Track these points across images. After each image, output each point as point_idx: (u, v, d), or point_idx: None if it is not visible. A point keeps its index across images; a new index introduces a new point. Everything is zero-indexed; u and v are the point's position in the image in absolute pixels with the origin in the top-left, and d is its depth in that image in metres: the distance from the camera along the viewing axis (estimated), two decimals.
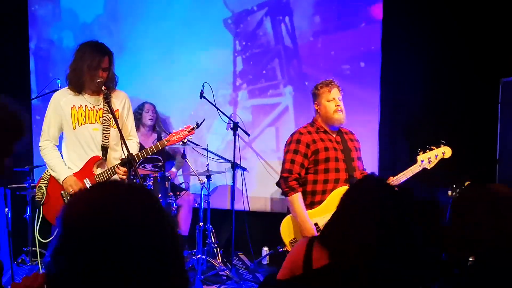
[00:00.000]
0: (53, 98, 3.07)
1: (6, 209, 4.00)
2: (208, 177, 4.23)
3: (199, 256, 4.05)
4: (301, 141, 3.09)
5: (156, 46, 4.83)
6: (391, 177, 3.06)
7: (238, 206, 4.33)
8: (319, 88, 3.17)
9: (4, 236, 3.78)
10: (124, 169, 2.82)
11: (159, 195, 3.86)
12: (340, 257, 1.58)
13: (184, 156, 4.19)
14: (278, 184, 3.18)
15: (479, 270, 1.63)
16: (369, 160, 3.86)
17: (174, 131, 3.10)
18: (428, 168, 3.09)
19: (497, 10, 3.85)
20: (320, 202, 3.05)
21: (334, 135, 3.17)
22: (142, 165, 4.01)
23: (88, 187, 1.00)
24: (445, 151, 3.12)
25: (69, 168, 3.03)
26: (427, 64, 4.11)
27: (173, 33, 4.80)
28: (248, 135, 4.48)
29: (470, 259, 1.65)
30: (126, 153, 2.70)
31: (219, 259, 4.28)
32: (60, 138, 3.14)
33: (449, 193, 3.37)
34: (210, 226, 4.27)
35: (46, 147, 3.05)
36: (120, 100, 3.12)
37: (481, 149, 3.89)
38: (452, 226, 1.76)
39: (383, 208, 1.56)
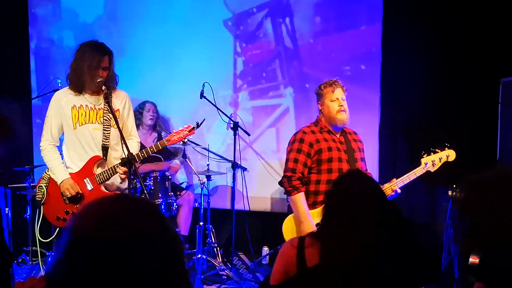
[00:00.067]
0: (54, 98, 3.07)
1: (7, 209, 4.01)
2: (208, 177, 4.23)
3: (199, 255, 4.04)
4: (304, 140, 3.09)
5: (156, 46, 4.83)
6: (394, 179, 3.05)
7: (238, 206, 4.34)
8: (322, 88, 3.17)
9: (5, 235, 3.77)
10: (124, 168, 2.82)
11: (160, 195, 3.86)
12: (340, 257, 1.58)
13: (184, 156, 4.20)
14: (281, 183, 3.16)
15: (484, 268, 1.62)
16: (369, 160, 3.85)
17: (174, 130, 3.11)
18: (432, 171, 3.07)
19: (497, 10, 3.85)
20: (322, 202, 3.04)
21: (337, 135, 3.16)
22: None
23: (99, 198, 1.02)
24: (449, 154, 3.09)
25: (69, 167, 3.03)
26: (427, 64, 4.11)
27: (174, 34, 4.80)
28: (249, 134, 4.48)
29: (470, 259, 1.65)
30: (126, 153, 2.70)
31: (219, 259, 4.28)
32: (61, 138, 3.15)
33: (449, 193, 3.36)
34: (210, 226, 4.27)
35: (46, 147, 3.06)
36: (121, 100, 3.12)
37: (481, 149, 3.88)
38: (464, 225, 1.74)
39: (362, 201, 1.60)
